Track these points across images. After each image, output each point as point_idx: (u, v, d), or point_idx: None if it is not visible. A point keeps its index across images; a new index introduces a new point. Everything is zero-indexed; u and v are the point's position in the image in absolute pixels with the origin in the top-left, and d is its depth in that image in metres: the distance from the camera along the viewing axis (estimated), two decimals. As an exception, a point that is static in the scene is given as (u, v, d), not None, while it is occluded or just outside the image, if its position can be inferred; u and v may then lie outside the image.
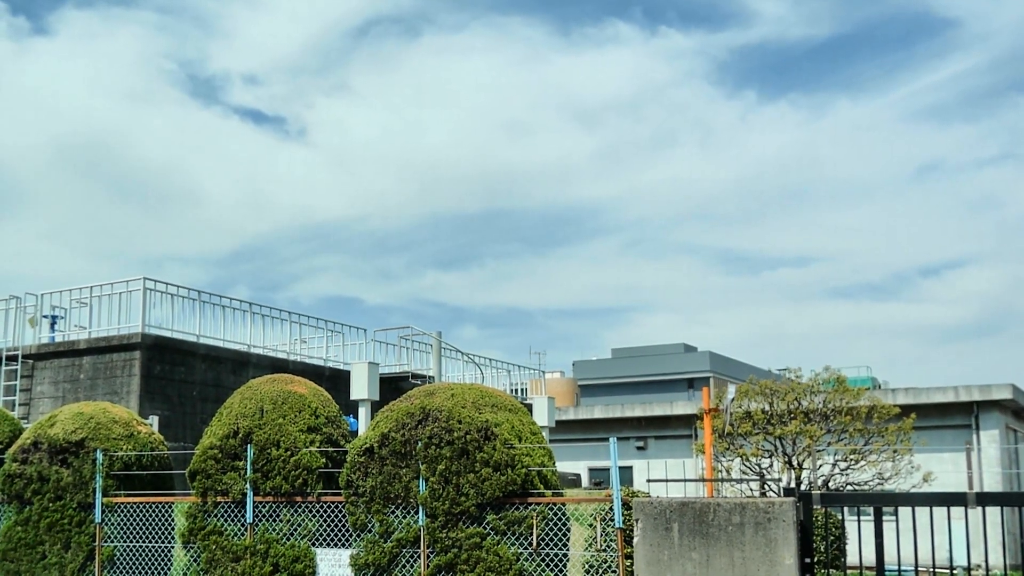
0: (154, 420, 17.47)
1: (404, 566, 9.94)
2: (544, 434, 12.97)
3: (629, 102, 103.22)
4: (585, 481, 28.09)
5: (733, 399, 20.92)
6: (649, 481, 10.83)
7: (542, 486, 9.79)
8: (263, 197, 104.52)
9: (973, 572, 21.25)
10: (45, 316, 20.41)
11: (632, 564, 8.92)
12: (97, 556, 11.78)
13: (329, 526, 10.54)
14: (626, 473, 31.74)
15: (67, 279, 75.79)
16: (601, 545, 9.37)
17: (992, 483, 27.79)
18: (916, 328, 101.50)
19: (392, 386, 21.74)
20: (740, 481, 20.15)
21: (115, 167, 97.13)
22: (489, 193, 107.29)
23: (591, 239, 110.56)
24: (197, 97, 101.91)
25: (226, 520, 11.04)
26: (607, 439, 9.91)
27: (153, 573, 11.54)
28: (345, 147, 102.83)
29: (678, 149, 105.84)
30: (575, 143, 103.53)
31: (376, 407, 18.05)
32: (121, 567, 11.71)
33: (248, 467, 10.85)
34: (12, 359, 19.90)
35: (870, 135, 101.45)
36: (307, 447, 10.72)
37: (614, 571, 9.24)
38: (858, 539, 9.19)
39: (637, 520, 8.75)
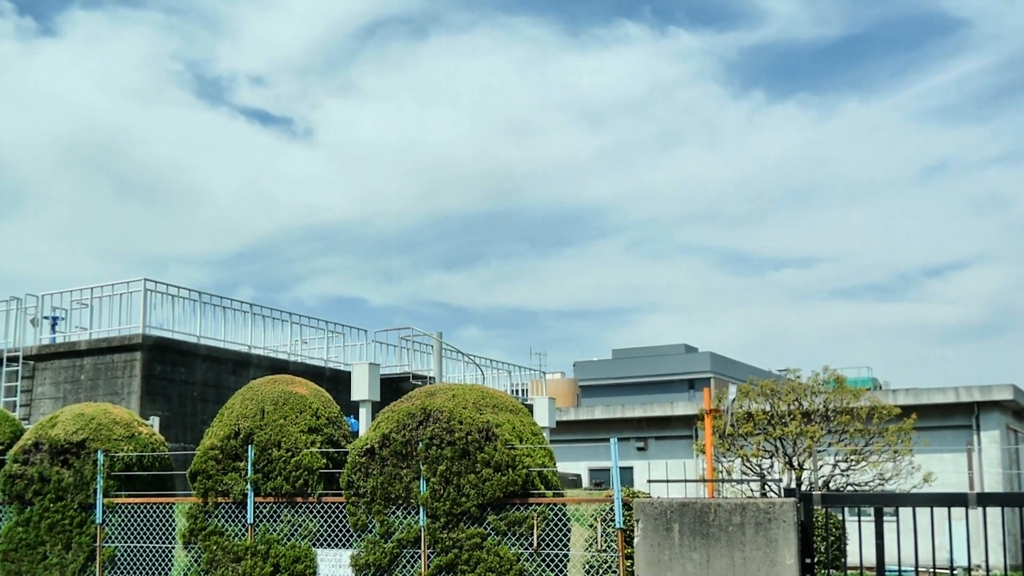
0: (155, 421, 17.48)
1: (405, 566, 9.95)
2: (545, 435, 12.99)
3: (636, 102, 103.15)
4: (586, 482, 28.10)
5: (734, 400, 20.94)
6: (650, 482, 10.83)
7: (543, 486, 9.80)
8: (268, 197, 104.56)
9: (973, 572, 21.25)
10: (46, 317, 20.41)
11: (632, 564, 8.93)
12: (98, 556, 11.79)
13: (330, 526, 10.55)
14: (627, 474, 31.74)
15: (71, 280, 75.74)
16: (601, 545, 9.38)
17: (993, 483, 27.79)
18: (919, 328, 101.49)
19: (393, 387, 21.74)
20: (741, 482, 20.15)
21: (120, 168, 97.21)
22: (494, 193, 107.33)
23: (595, 239, 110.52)
24: (203, 97, 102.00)
25: (227, 521, 11.05)
26: (608, 440, 9.92)
27: (154, 574, 11.55)
28: (351, 147, 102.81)
29: (684, 149, 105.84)
30: (581, 143, 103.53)
31: (377, 408, 18.04)
32: (122, 568, 11.72)
33: (249, 468, 10.86)
34: (13, 360, 19.91)
35: (878, 135, 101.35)
36: (308, 448, 10.73)
37: (614, 571, 9.25)
38: (858, 539, 9.19)
39: (638, 520, 8.76)
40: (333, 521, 10.54)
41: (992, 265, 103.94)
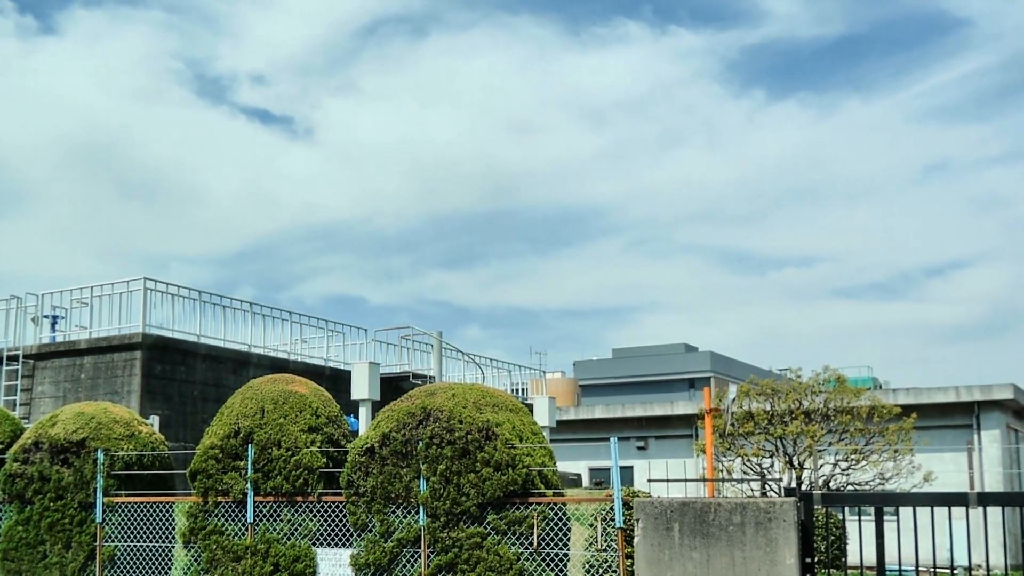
0: (155, 420, 17.47)
1: (404, 566, 9.94)
2: (545, 434, 12.99)
3: (637, 102, 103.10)
4: (586, 481, 28.08)
5: (734, 399, 20.95)
6: (650, 481, 10.83)
7: (543, 486, 9.79)
8: (268, 197, 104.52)
9: (974, 572, 21.25)
10: (46, 316, 20.41)
11: (632, 564, 8.92)
12: (98, 556, 11.79)
13: (330, 526, 10.55)
14: (627, 473, 31.75)
15: (72, 279, 75.54)
16: (602, 545, 9.37)
17: (993, 483, 27.79)
18: (920, 328, 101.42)
19: (393, 386, 21.73)
20: (741, 481, 20.15)
21: (121, 167, 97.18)
22: (494, 193, 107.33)
23: (596, 239, 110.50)
24: (204, 96, 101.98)
25: (227, 520, 11.05)
26: (608, 439, 9.92)
27: (154, 573, 11.55)
28: (351, 147, 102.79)
29: (685, 149, 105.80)
30: (581, 143, 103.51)
31: (377, 407, 18.04)
32: (122, 567, 11.72)
33: (249, 467, 10.86)
34: (13, 359, 19.90)
35: (878, 135, 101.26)
36: (308, 447, 10.73)
37: (614, 571, 9.24)
38: (859, 539, 9.19)
39: (638, 520, 8.75)
40: (333, 520, 10.54)
41: (993, 265, 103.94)
